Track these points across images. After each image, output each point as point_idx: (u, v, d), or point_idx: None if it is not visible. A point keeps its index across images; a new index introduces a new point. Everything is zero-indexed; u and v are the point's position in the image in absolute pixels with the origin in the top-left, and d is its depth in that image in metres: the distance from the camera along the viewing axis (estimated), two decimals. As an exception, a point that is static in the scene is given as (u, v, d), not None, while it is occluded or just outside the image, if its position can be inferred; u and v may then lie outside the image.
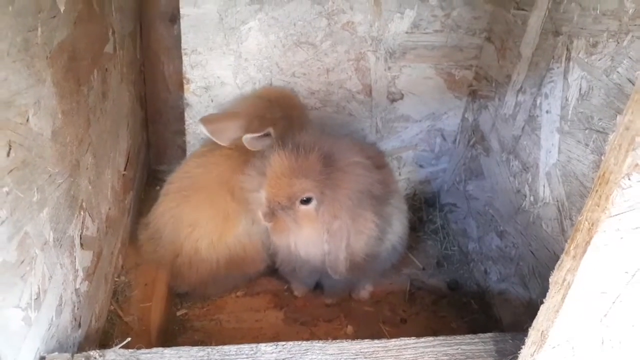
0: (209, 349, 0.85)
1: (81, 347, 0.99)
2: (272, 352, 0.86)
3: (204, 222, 1.26)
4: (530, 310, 1.27)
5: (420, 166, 1.77)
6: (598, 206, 0.63)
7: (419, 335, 1.35)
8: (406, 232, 1.45)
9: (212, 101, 1.56)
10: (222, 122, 1.29)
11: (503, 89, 1.43)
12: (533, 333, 0.80)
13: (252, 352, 0.86)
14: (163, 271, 1.30)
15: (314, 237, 1.22)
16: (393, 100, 1.64)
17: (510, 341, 0.93)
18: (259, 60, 1.51)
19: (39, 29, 0.78)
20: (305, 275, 1.38)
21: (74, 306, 0.95)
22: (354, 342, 0.89)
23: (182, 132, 1.62)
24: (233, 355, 0.85)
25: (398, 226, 1.40)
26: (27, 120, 0.74)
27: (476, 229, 1.56)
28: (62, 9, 0.86)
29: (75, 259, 0.95)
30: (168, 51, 1.53)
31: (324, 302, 1.44)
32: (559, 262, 0.74)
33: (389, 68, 1.58)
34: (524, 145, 1.32)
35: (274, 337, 1.32)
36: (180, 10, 1.40)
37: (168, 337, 1.25)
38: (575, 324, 0.74)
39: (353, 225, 1.23)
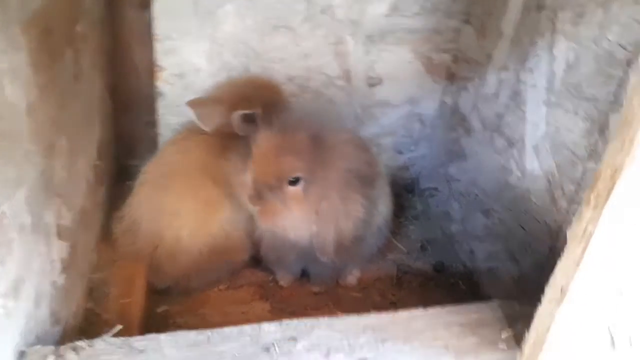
0: (208, 332, 0.79)
1: (60, 344, 0.91)
2: (276, 331, 0.81)
3: (185, 210, 1.20)
4: (521, 284, 1.27)
5: (399, 152, 1.75)
6: (621, 151, 0.61)
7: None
8: (391, 215, 1.43)
9: (186, 89, 1.49)
10: (209, 106, 1.24)
11: (483, 69, 1.43)
12: (551, 290, 0.78)
13: (254, 332, 0.81)
14: (141, 266, 1.23)
15: (303, 219, 1.18)
16: (372, 85, 1.61)
17: (518, 307, 0.91)
18: (235, 45, 1.46)
19: (12, -9, 0.71)
20: (291, 261, 1.33)
21: (52, 300, 0.87)
22: (361, 316, 0.85)
23: (153, 124, 1.54)
24: (235, 336, 0.79)
25: (383, 209, 1.37)
26: (3, 88, 0.68)
27: (459, 211, 1.55)
28: (33, -25, 0.79)
29: (52, 248, 0.88)
30: (139, 38, 1.45)
31: (310, 290, 1.39)
32: (576, 215, 0.72)
33: (368, 52, 1.55)
34: (508, 122, 1.32)
35: (263, 329, 1.26)
36: (152, -6, 1.34)
37: (150, 335, 1.18)
38: (597, 275, 0.72)
39: (342, 206, 1.20)
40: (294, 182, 1.13)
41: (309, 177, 1.13)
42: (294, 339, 0.78)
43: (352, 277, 1.43)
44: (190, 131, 1.26)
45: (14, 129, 0.71)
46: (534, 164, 1.23)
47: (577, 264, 0.69)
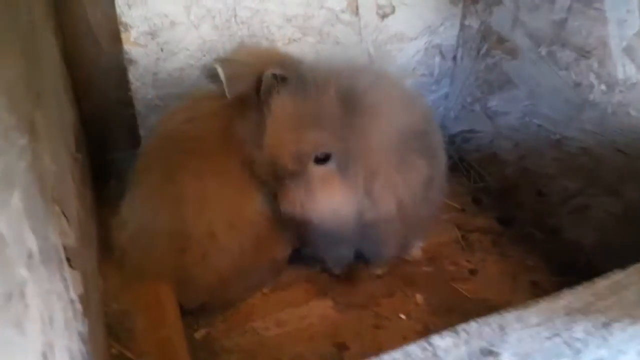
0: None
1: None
2: (458, 345, 0.53)
3: (215, 195, 0.88)
4: (627, 219, 1.05)
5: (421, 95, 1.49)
6: None
7: (495, 284, 1.12)
8: (446, 163, 1.17)
9: (162, 50, 1.15)
10: (240, 67, 0.92)
11: (524, -27, 1.18)
12: None
13: (427, 353, 0.52)
14: (165, 283, 0.91)
15: (344, 203, 0.90)
16: (383, 16, 1.33)
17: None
18: (217, -17, 1.13)
19: None
20: (343, 249, 1.06)
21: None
22: (553, 297, 0.59)
23: (126, 102, 1.19)
24: (401, 363, 0.51)
25: (441, 158, 1.11)
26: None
27: (514, 149, 1.31)
28: None
29: (67, 283, 0.55)
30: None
31: (373, 273, 1.12)
32: None
33: (376, -25, 1.27)
34: (576, 28, 1.08)
35: (334, 332, 0.99)
36: None
37: (199, 371, 0.87)
38: None
39: (399, 177, 0.93)
40: (323, 160, 0.85)
41: (344, 152, 0.84)
42: (490, 353, 0.51)
43: (416, 248, 1.17)
44: (196, 98, 0.95)
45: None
46: (628, 70, 1.00)
47: None
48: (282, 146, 0.84)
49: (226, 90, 0.90)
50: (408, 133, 0.95)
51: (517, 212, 1.30)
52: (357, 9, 1.29)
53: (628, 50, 0.99)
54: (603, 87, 1.05)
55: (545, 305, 0.58)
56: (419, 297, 1.07)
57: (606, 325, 0.55)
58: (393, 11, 1.33)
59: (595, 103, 1.08)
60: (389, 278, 1.11)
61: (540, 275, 1.14)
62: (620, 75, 1.02)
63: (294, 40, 1.27)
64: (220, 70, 0.90)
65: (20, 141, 0.46)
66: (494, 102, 1.35)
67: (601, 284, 0.62)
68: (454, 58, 1.46)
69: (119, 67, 1.15)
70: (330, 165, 0.87)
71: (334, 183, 0.88)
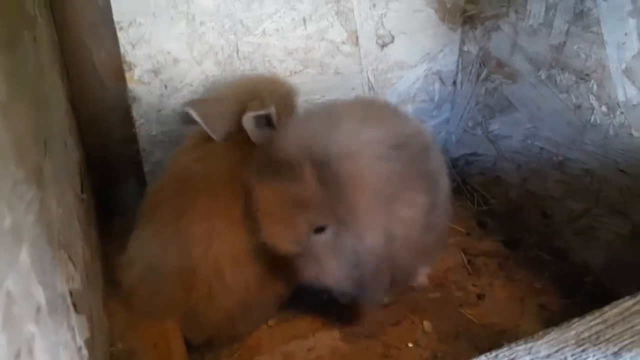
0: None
1: None
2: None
3: (221, 234, 0.89)
4: (635, 240, 1.05)
5: (421, 121, 1.50)
6: None
7: (503, 309, 1.11)
8: (450, 186, 1.17)
9: (165, 87, 1.17)
10: (214, 106, 0.94)
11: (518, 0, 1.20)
12: None
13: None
14: (171, 322, 0.91)
15: (344, 267, 0.90)
16: (383, 46, 1.35)
17: None
18: (218, 21, 1.15)
19: None
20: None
21: (91, 408, 0.55)
22: (563, 327, 0.58)
23: (131, 139, 1.21)
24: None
25: (444, 181, 1.11)
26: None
27: (517, 172, 1.32)
28: None
29: (74, 330, 0.56)
30: (93, 30, 1.11)
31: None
32: None
33: (374, 5, 1.29)
34: (575, 52, 1.10)
35: (342, 364, 0.98)
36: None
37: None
38: None
39: (392, 215, 0.92)
40: (320, 230, 0.86)
41: (336, 220, 0.85)
42: (501, 387, 0.51)
43: (422, 276, 1.16)
44: (202, 136, 0.96)
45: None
46: (628, 92, 1.01)
47: None
48: (279, 236, 0.85)
49: (209, 131, 0.92)
50: (398, 172, 0.93)
51: (522, 234, 1.30)
52: (357, 39, 1.31)
53: (628, 72, 1.00)
54: (604, 108, 1.06)
55: (555, 336, 0.58)
56: (426, 325, 1.06)
57: (616, 354, 0.55)
58: (392, 40, 1.35)
59: (597, 125, 1.08)
60: (395, 306, 1.11)
61: (548, 298, 1.13)
62: (620, 97, 1.02)
63: (296, 72, 1.29)
64: (193, 113, 0.91)
65: (28, 194, 0.47)
66: (495, 126, 1.36)
67: (611, 312, 0.61)
68: (454, 83, 1.47)
69: (124, 104, 1.17)
70: (328, 234, 0.87)
71: (335, 248, 0.88)
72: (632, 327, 0.58)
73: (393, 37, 1.35)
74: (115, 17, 1.07)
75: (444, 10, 1.37)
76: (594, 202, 1.12)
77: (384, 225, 0.91)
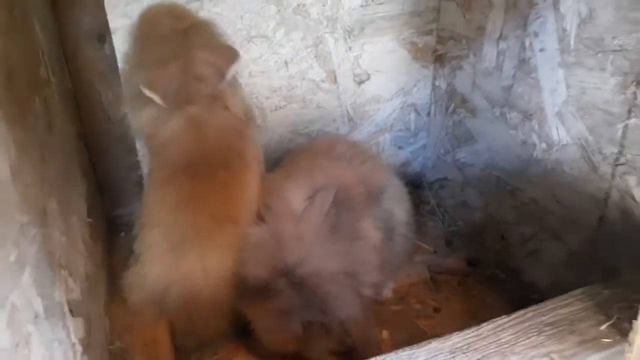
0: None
1: None
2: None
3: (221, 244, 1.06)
4: (571, 263, 1.18)
5: (399, 147, 1.66)
6: None
7: (455, 322, 1.25)
8: (412, 217, 1.33)
9: (165, 122, 1.36)
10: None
11: (477, 43, 1.35)
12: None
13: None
14: (163, 327, 1.08)
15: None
16: (360, 83, 1.51)
17: (605, 291, 0.82)
18: (210, 65, 1.33)
19: (-30, 31, 0.57)
20: None
21: (81, 391, 0.73)
22: (444, 338, 0.74)
23: (135, 166, 1.40)
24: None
25: (401, 214, 1.27)
26: (-19, 151, 0.54)
27: (479, 197, 1.46)
28: (-13, 11, 0.66)
29: (69, 330, 0.73)
30: (102, 76, 1.31)
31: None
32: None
33: (350, 48, 1.45)
34: (520, 94, 1.24)
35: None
36: (110, 25, 1.19)
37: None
38: None
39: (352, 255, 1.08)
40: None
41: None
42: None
43: (387, 290, 1.31)
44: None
45: (2, 201, 0.57)
46: (560, 133, 1.15)
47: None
48: (279, 343, 1.05)
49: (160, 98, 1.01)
50: (349, 211, 1.09)
51: (483, 254, 1.43)
52: (335, 78, 1.48)
53: (559, 116, 1.14)
54: (544, 145, 1.20)
55: (434, 345, 0.73)
56: (384, 333, 1.21)
57: (479, 361, 0.70)
58: (368, 78, 1.51)
59: (539, 159, 1.22)
60: (360, 317, 1.26)
61: (498, 312, 1.25)
62: (554, 136, 1.16)
63: (280, 107, 1.46)
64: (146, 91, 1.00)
65: (32, 232, 0.65)
66: (461, 155, 1.51)
67: (486, 327, 0.76)
68: (429, 114, 1.62)
69: (128, 137, 1.36)
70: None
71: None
72: (499, 339, 0.73)
73: (369, 75, 1.51)
74: (120, 65, 1.26)
75: (416, 50, 1.53)
76: (539, 228, 1.25)
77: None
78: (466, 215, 1.52)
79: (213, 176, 1.03)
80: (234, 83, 1.14)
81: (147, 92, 0.99)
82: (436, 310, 1.28)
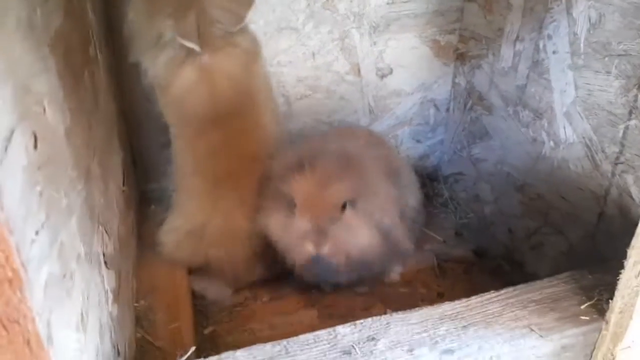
0: (284, 342, 0.75)
1: (124, 377, 0.87)
2: (353, 333, 0.77)
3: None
4: (571, 257, 1.24)
5: (418, 141, 1.73)
6: None
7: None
8: (421, 206, 1.40)
9: (197, 104, 1.46)
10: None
11: (496, 44, 1.41)
12: (634, 252, 0.75)
13: (330, 336, 0.77)
14: (184, 287, 1.19)
15: (371, 235, 1.15)
16: (383, 76, 1.59)
17: (590, 276, 0.88)
18: (242, 52, 1.42)
19: (38, 10, 0.67)
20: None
21: (111, 331, 0.83)
22: (435, 306, 0.81)
23: (168, 145, 1.50)
24: (312, 343, 0.76)
25: (412, 200, 1.34)
26: (44, 111, 0.64)
27: (490, 191, 1.52)
28: (51, -7, 0.76)
29: (103, 278, 0.84)
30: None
31: (355, 292, 1.35)
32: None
33: (375, 43, 1.53)
34: (532, 93, 1.30)
35: (315, 336, 1.22)
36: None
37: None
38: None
39: (384, 205, 1.17)
40: (345, 206, 1.11)
41: (356, 195, 1.11)
42: (373, 339, 0.75)
43: (395, 273, 1.39)
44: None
45: (58, 155, 0.67)
46: (567, 132, 1.20)
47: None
48: (319, 208, 1.09)
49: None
50: (383, 172, 1.20)
51: (490, 246, 1.50)
52: (359, 71, 1.56)
53: (567, 115, 1.20)
54: (552, 144, 1.26)
55: (425, 311, 0.80)
56: (388, 312, 1.28)
57: (465, 327, 0.77)
58: (391, 72, 1.59)
59: (546, 157, 1.28)
60: (368, 296, 1.34)
61: (499, 301, 1.33)
62: (562, 135, 1.22)
63: (305, 96, 1.55)
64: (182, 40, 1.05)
65: (79, 186, 0.75)
66: (476, 150, 1.57)
67: (476, 299, 0.83)
68: (448, 110, 1.69)
69: (163, 118, 1.46)
70: (352, 207, 1.12)
71: (361, 219, 1.13)
72: (486, 310, 0.80)
73: (392, 69, 1.58)
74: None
75: (438, 47, 1.59)
76: (544, 222, 1.31)
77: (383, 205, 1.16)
78: (477, 209, 1.59)
79: (231, 123, 1.14)
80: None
81: (184, 42, 1.04)
82: (440, 295, 1.35)
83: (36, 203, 0.56)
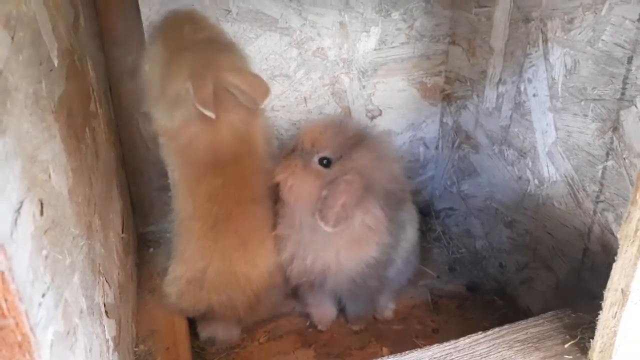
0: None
1: None
2: (346, 378, 0.80)
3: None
4: (560, 291, 1.27)
5: (409, 177, 1.77)
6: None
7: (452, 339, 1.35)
8: (418, 242, 1.43)
9: (194, 149, 1.51)
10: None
11: (480, 85, 1.47)
12: (610, 294, 0.79)
13: (324, 383, 0.80)
14: (183, 331, 1.22)
15: (311, 192, 1.17)
16: (372, 118, 1.65)
17: (573, 315, 0.91)
18: (236, 99, 1.48)
19: (43, 82, 0.72)
20: (324, 290, 1.30)
21: (112, 380, 0.86)
22: (425, 349, 0.85)
23: (166, 188, 1.55)
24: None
25: (411, 234, 1.37)
26: (50, 177, 0.68)
27: (481, 227, 1.56)
28: (55, 62, 0.81)
29: (104, 328, 0.87)
30: (141, 107, 1.47)
31: (351, 330, 1.38)
32: (625, 215, 0.74)
33: (364, 87, 1.59)
34: (516, 133, 1.35)
35: (311, 376, 1.25)
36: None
37: (203, 401, 1.16)
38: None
39: (363, 218, 1.19)
40: (322, 162, 1.17)
41: (338, 161, 1.16)
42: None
43: (389, 310, 1.42)
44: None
45: (62, 216, 0.71)
46: (550, 170, 1.25)
47: (635, 264, 0.71)
48: (309, 137, 1.18)
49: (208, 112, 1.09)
50: (382, 188, 1.20)
51: (483, 280, 1.53)
52: (350, 113, 1.61)
53: (549, 155, 1.25)
54: (536, 182, 1.31)
55: (416, 354, 0.83)
56: (385, 350, 1.31)
57: (453, 370, 0.80)
58: (380, 114, 1.65)
59: (532, 194, 1.32)
60: (363, 334, 1.37)
61: (492, 336, 1.36)
62: (545, 174, 1.27)
63: (298, 138, 1.59)
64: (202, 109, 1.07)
65: (81, 242, 0.79)
66: (465, 186, 1.62)
67: (464, 341, 0.86)
68: (437, 147, 1.74)
69: (160, 163, 1.51)
70: (324, 168, 1.17)
71: (318, 178, 1.16)
72: (474, 352, 0.83)
73: (381, 111, 1.64)
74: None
75: (425, 89, 1.65)
76: (532, 257, 1.35)
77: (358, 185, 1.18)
78: (469, 243, 1.63)
79: (231, 169, 1.18)
80: None
81: (204, 111, 1.07)
82: (435, 331, 1.38)
83: (42, 266, 0.60)
